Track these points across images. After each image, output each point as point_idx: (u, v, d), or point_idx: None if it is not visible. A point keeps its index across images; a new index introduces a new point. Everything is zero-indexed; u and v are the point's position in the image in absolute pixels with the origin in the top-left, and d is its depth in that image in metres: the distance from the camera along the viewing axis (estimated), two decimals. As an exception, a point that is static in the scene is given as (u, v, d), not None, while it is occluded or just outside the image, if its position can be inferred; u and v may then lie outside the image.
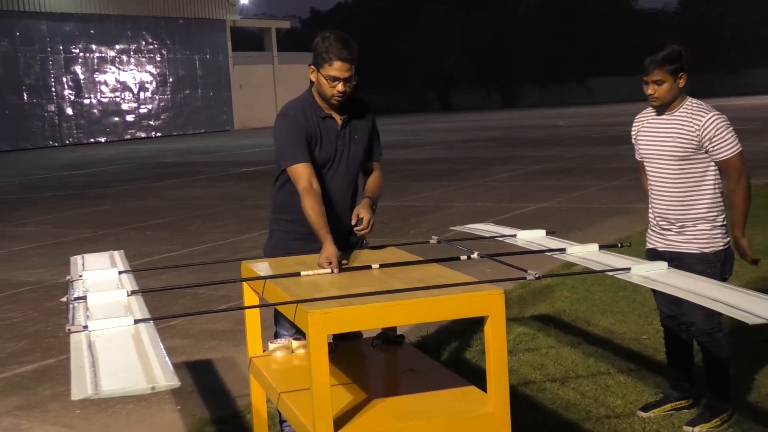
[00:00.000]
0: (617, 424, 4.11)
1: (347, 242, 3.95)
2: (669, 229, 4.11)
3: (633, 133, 4.32)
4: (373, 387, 3.17)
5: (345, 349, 3.67)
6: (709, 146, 3.95)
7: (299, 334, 3.69)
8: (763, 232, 8.32)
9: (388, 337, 3.66)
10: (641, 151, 4.27)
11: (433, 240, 3.99)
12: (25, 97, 36.59)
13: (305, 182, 3.69)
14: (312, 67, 3.76)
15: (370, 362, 3.59)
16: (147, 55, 41.41)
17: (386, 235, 9.84)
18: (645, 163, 4.25)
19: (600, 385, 4.63)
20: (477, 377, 3.67)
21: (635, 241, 8.73)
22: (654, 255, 4.13)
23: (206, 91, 44.36)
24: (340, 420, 2.77)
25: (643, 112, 4.28)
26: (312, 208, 3.61)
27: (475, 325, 5.69)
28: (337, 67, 3.66)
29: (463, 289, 2.85)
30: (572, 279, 7.16)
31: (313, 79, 3.78)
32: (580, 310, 6.21)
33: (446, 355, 5.29)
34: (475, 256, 3.47)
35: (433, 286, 2.87)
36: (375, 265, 3.34)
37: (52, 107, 37.57)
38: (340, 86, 3.70)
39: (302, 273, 3.30)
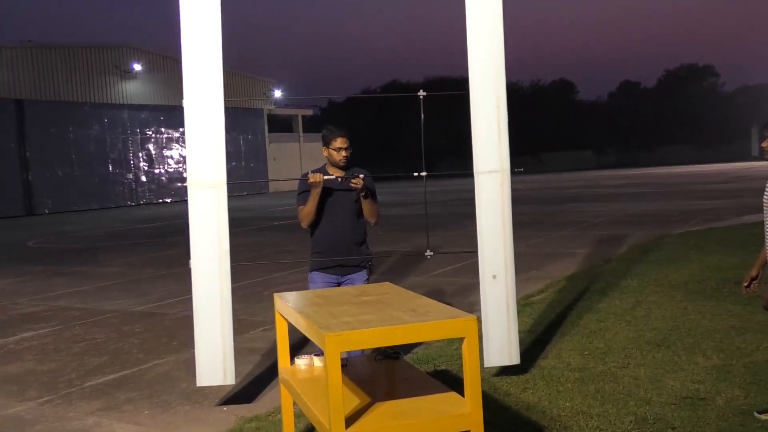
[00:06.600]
0: (566, 422, 4.05)
1: (351, 262, 4.56)
2: None
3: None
4: (376, 392, 3.13)
5: (353, 363, 3.64)
6: None
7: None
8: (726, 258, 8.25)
9: (388, 353, 3.64)
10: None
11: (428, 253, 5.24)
12: (110, 168, 36.75)
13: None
14: (324, 147, 4.54)
15: (373, 373, 3.55)
16: (204, 136, 41.67)
17: (385, 274, 9.82)
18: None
19: (553, 391, 4.58)
20: (456, 384, 3.63)
21: (577, 277, 8.75)
22: None
23: (248, 162, 44.53)
24: (350, 419, 2.74)
25: None
26: (306, 205, 4.51)
27: (455, 343, 5.65)
28: (339, 142, 4.51)
29: (446, 316, 2.83)
30: (530, 307, 7.11)
31: (325, 155, 4.57)
32: (536, 331, 6.15)
33: (433, 367, 5.23)
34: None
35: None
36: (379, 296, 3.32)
37: (131, 175, 37.71)
38: (343, 152, 4.52)
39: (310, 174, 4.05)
